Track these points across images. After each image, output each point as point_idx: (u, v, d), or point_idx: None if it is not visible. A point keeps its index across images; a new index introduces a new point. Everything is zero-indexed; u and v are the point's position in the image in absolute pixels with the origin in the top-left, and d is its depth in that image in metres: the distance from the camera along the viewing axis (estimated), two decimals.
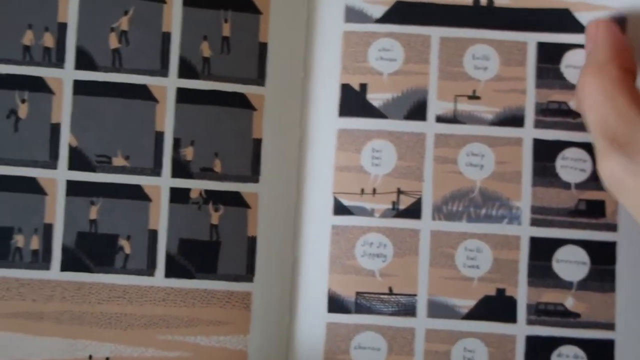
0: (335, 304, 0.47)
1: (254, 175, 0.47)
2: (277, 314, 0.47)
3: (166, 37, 0.47)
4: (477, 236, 0.47)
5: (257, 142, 0.47)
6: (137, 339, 0.46)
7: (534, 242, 0.47)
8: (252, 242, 0.47)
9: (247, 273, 0.47)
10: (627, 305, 0.46)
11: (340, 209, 0.48)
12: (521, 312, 0.47)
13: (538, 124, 0.48)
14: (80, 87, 0.46)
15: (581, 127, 0.47)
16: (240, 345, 0.47)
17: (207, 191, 0.47)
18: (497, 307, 0.47)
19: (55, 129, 0.46)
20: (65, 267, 0.46)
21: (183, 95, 0.47)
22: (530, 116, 0.48)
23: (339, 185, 0.48)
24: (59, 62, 0.46)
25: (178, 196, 0.47)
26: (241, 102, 0.47)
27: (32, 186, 0.46)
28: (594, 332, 0.46)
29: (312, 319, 0.47)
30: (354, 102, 0.48)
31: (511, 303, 0.47)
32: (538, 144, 0.47)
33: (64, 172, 0.46)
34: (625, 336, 0.46)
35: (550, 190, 0.47)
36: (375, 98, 0.48)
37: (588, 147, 0.47)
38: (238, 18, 0.47)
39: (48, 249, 0.46)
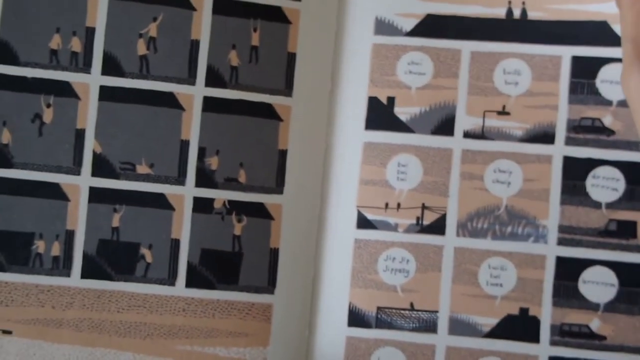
0: (356, 318, 0.43)
1: (278, 186, 0.43)
2: (297, 327, 0.43)
3: (195, 45, 0.43)
4: (501, 254, 0.43)
5: (283, 154, 0.43)
6: (156, 348, 0.42)
7: (560, 261, 0.42)
8: (274, 254, 0.43)
9: (269, 285, 0.43)
10: None
11: (363, 223, 0.43)
12: (544, 332, 0.42)
13: (569, 141, 0.43)
14: (107, 93, 0.42)
15: (615, 145, 0.42)
16: (259, 358, 0.42)
17: (230, 201, 0.43)
18: (520, 326, 0.42)
19: (80, 134, 0.42)
20: (85, 274, 0.42)
21: (210, 104, 0.43)
22: (561, 133, 0.43)
23: (363, 199, 0.43)
24: (86, 67, 0.42)
25: (201, 206, 0.43)
26: (268, 112, 0.43)
27: (55, 192, 0.42)
28: (620, 355, 0.41)
29: (332, 333, 0.43)
30: (381, 115, 0.44)
31: (534, 323, 0.42)
32: (568, 162, 0.43)
33: (88, 179, 0.42)
34: None
35: (579, 209, 0.42)
36: (403, 112, 0.44)
37: (621, 166, 0.42)
38: (267, 27, 0.43)
39: (69, 255, 0.42)
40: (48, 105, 0.42)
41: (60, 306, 0.41)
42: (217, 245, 0.42)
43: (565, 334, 0.42)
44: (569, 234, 0.42)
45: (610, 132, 0.42)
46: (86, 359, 0.41)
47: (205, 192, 0.43)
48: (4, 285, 0.41)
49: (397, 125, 0.44)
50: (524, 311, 0.42)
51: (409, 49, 0.44)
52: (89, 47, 0.42)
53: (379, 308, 0.43)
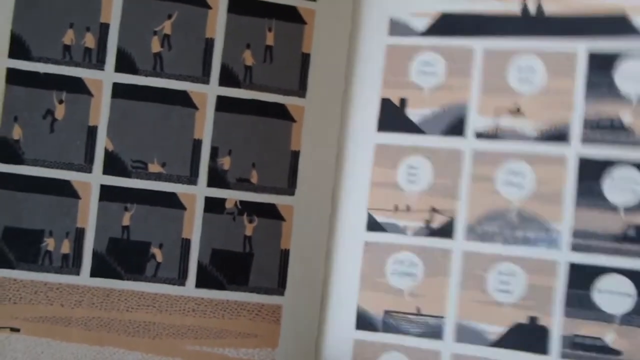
0: (364, 321, 0.40)
1: (290, 187, 0.40)
2: (306, 328, 0.40)
3: (209, 44, 0.40)
4: (511, 259, 0.39)
5: (295, 154, 0.40)
6: (165, 348, 0.39)
7: (574, 268, 0.38)
8: (285, 255, 0.40)
9: (279, 286, 0.40)
10: None
11: (373, 226, 0.40)
12: (554, 343, 0.38)
13: (585, 141, 0.38)
14: (120, 90, 0.40)
15: (634, 144, 0.38)
16: (268, 359, 0.39)
17: (242, 202, 0.40)
18: (529, 336, 0.38)
19: (92, 131, 0.39)
20: (95, 272, 0.39)
21: (223, 104, 0.40)
22: (576, 132, 0.39)
23: (373, 201, 0.40)
24: (99, 64, 0.39)
25: (213, 206, 0.40)
26: (281, 113, 0.40)
27: (65, 189, 0.39)
28: None
29: (340, 335, 0.40)
30: (393, 117, 0.41)
31: (543, 333, 0.38)
32: (584, 162, 0.38)
33: (99, 177, 0.39)
34: None
35: (595, 213, 0.38)
36: (415, 113, 0.41)
37: None
38: (282, 27, 0.40)
39: (79, 253, 0.39)
40: (60, 102, 0.39)
41: (69, 304, 0.38)
42: (228, 246, 0.40)
43: (577, 347, 0.37)
44: (583, 240, 0.38)
45: (629, 130, 0.38)
46: (94, 358, 0.38)
47: (217, 192, 0.40)
48: (12, 283, 0.38)
49: (409, 127, 0.40)
50: (533, 320, 0.38)
51: (422, 49, 0.41)
52: (102, 44, 0.39)
53: (386, 312, 0.40)
